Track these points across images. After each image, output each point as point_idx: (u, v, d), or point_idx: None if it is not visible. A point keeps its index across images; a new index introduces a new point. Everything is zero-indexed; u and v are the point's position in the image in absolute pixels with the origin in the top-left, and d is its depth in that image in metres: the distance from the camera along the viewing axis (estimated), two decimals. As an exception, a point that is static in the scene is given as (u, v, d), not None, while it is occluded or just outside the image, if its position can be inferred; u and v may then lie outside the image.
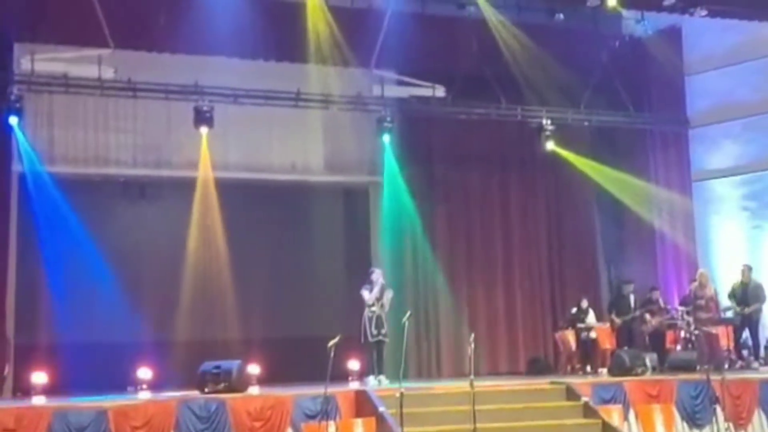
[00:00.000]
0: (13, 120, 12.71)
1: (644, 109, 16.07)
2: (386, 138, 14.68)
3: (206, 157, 14.05)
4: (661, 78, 16.11)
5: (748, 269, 14.01)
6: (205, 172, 14.15)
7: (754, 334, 13.92)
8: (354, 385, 12.09)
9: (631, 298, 14.39)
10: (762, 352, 14.25)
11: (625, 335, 14.22)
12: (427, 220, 15.59)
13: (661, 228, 15.96)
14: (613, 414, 10.77)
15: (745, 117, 15.50)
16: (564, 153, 15.48)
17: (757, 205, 15.48)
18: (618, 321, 14.30)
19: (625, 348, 13.48)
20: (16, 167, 13.43)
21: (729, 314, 14.12)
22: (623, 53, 15.77)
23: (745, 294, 13.88)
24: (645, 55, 15.80)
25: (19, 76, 13.02)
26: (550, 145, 15.21)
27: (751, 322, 13.87)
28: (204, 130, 13.59)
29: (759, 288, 13.91)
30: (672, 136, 16.32)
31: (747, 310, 13.76)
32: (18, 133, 12.99)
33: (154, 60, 13.60)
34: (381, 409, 9.97)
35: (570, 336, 14.85)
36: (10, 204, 13.38)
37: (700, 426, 11.23)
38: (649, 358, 13.08)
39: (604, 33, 15.68)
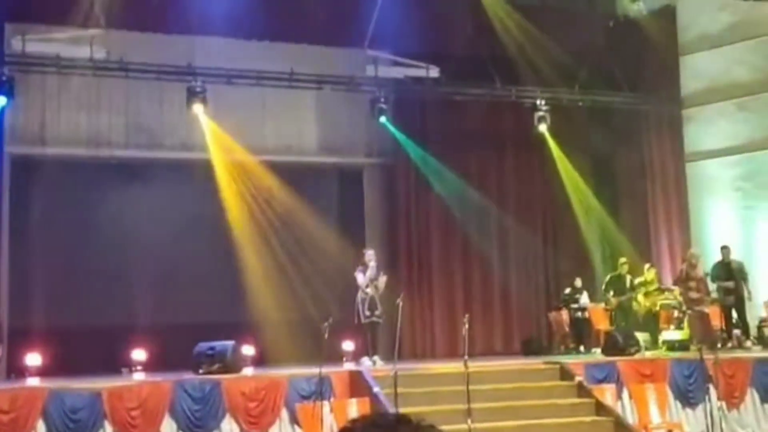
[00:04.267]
0: (1, 101, 12.59)
1: (638, 89, 16.02)
2: (383, 119, 14.57)
3: (218, 137, 13.95)
4: (655, 58, 16.06)
5: (727, 250, 14.07)
6: (220, 154, 14.04)
7: (741, 313, 13.97)
8: (348, 366, 12.11)
9: (627, 277, 14.42)
10: (753, 332, 14.30)
11: (620, 315, 14.25)
12: (422, 200, 15.59)
13: (655, 208, 15.97)
14: (607, 393, 10.81)
15: (739, 97, 15.46)
16: (553, 148, 15.49)
17: (750, 186, 15.48)
18: (615, 301, 14.30)
19: (619, 328, 13.52)
20: (9, 149, 13.34)
21: (714, 294, 14.14)
22: (618, 33, 15.72)
23: (729, 273, 13.93)
24: (639, 35, 15.73)
25: (10, 57, 12.92)
26: (543, 128, 15.17)
27: (738, 301, 13.93)
28: (199, 109, 13.49)
29: (741, 266, 14.00)
30: (666, 116, 16.29)
31: (739, 292, 13.81)
32: None
33: (147, 40, 13.52)
34: (375, 389, 9.99)
35: (564, 316, 14.89)
36: (3, 186, 13.31)
37: (693, 405, 11.28)
38: (643, 338, 13.13)
39: (598, 13, 15.61)
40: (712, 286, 14.11)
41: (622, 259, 14.78)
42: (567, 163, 15.70)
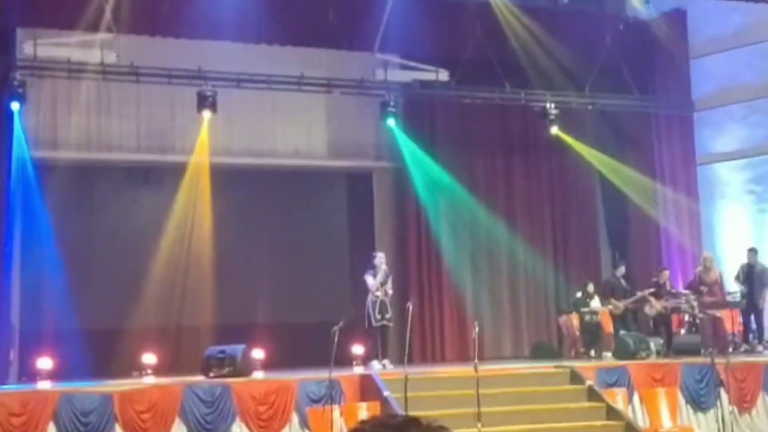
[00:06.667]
0: (14, 106, 12.66)
1: (649, 92, 15.98)
2: (391, 122, 14.58)
3: (205, 142, 13.98)
4: (666, 61, 16.02)
5: (754, 252, 14.00)
6: (202, 157, 14.06)
7: (759, 318, 13.91)
8: (358, 370, 12.11)
9: (622, 281, 14.21)
10: (767, 336, 14.23)
11: (625, 319, 14.09)
12: (431, 204, 15.58)
13: (666, 211, 15.92)
14: (618, 397, 10.78)
15: (750, 100, 15.41)
16: (568, 139, 15.43)
17: (762, 189, 15.42)
18: (620, 305, 14.03)
19: (630, 332, 13.45)
20: (21, 153, 13.39)
21: (735, 297, 14.07)
22: (628, 36, 15.66)
23: (750, 276, 13.87)
24: (650, 38, 15.71)
25: (21, 62, 12.99)
26: (555, 130, 15.14)
27: (756, 305, 13.86)
28: (207, 114, 13.53)
29: (765, 271, 13.90)
30: (677, 120, 16.24)
31: (755, 296, 13.73)
32: (16, 119, 12.91)
33: (157, 45, 13.56)
34: (385, 393, 9.99)
35: (574, 320, 14.83)
36: (15, 190, 13.35)
37: (704, 409, 11.24)
38: (654, 342, 13.07)
39: (608, 15, 15.59)
40: (735, 288, 14.03)
41: (621, 262, 14.72)
42: (593, 150, 15.61)
